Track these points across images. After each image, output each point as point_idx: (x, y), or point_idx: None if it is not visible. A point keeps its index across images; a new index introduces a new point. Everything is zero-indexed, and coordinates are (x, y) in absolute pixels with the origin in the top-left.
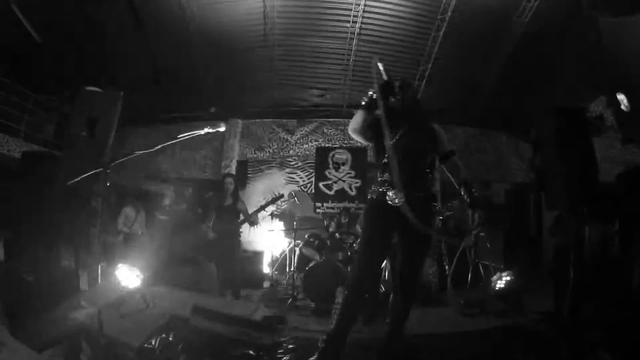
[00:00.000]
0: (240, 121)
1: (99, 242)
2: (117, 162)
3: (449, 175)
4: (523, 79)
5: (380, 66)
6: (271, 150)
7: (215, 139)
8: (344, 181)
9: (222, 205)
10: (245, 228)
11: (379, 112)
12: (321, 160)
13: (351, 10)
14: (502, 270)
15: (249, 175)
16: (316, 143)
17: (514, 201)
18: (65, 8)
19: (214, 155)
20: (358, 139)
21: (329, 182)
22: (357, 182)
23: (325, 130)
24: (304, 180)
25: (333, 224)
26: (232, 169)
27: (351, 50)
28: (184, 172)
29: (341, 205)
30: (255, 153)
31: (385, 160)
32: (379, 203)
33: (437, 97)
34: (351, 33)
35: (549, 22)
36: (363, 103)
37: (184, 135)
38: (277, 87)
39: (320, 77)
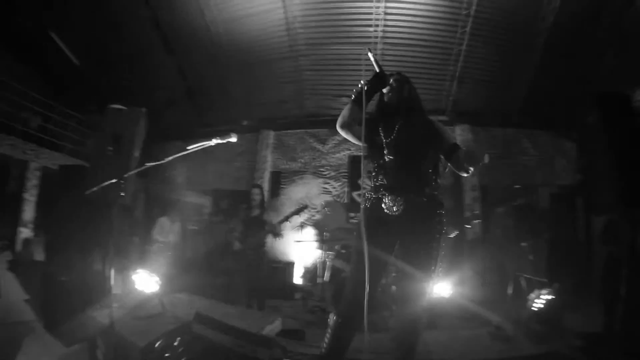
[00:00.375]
0: (272, 132)
1: (140, 250)
2: (129, 174)
3: (454, 170)
4: (562, 69)
5: (371, 56)
6: (303, 161)
7: (248, 152)
8: None
9: (249, 217)
10: (270, 239)
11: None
12: (354, 169)
13: (372, 14)
14: (544, 285)
15: (282, 186)
16: (348, 152)
17: (559, 206)
18: (99, 33)
19: (248, 167)
20: (347, 137)
21: (363, 191)
22: None
23: None
24: (337, 190)
25: None
26: (265, 180)
27: (377, 54)
28: (220, 184)
29: None
30: (287, 164)
31: (380, 161)
32: (374, 212)
33: (471, 97)
34: (375, 37)
35: (581, 3)
36: (353, 96)
37: (193, 147)
38: (306, 97)
39: (349, 85)
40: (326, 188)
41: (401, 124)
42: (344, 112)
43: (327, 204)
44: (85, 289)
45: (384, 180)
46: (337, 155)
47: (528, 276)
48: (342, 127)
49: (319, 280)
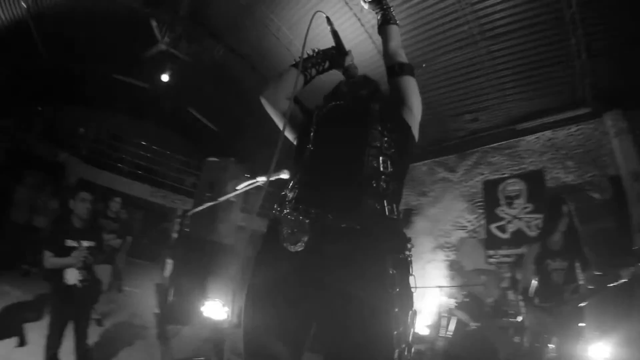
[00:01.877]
0: None
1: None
2: (190, 212)
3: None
4: None
5: (329, 26)
6: (434, 194)
7: None
8: (520, 219)
9: None
10: None
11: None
12: (490, 197)
13: (457, 11)
14: None
15: (412, 222)
16: (482, 176)
17: None
18: (225, 103)
19: None
20: (268, 109)
21: (502, 222)
22: (537, 219)
23: (490, 159)
24: (472, 225)
25: (506, 277)
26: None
27: (482, 54)
28: None
29: (519, 251)
30: (418, 199)
31: (300, 157)
32: (270, 242)
33: (612, 72)
34: (472, 35)
35: None
36: (295, 61)
37: (244, 185)
38: (428, 124)
39: (466, 98)
40: (460, 222)
41: (339, 103)
42: (277, 77)
43: (462, 242)
44: (184, 309)
45: (295, 184)
46: (470, 182)
47: None
48: (267, 95)
49: (441, 332)
